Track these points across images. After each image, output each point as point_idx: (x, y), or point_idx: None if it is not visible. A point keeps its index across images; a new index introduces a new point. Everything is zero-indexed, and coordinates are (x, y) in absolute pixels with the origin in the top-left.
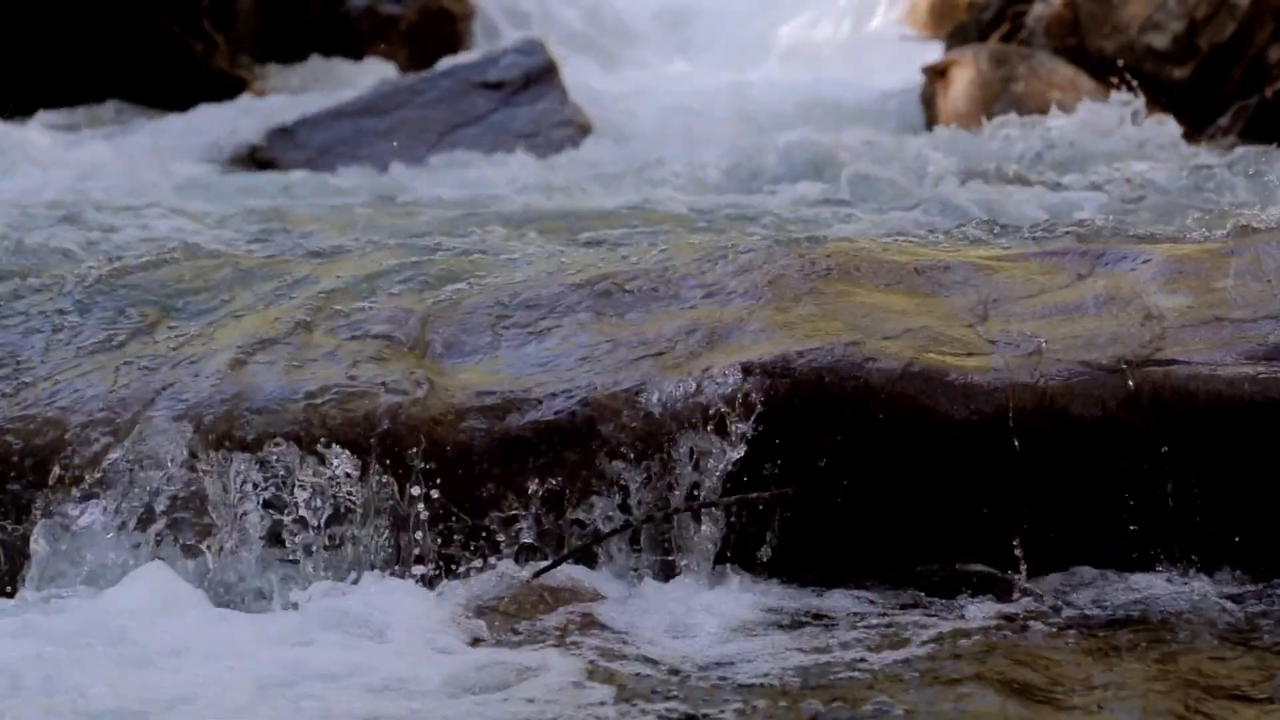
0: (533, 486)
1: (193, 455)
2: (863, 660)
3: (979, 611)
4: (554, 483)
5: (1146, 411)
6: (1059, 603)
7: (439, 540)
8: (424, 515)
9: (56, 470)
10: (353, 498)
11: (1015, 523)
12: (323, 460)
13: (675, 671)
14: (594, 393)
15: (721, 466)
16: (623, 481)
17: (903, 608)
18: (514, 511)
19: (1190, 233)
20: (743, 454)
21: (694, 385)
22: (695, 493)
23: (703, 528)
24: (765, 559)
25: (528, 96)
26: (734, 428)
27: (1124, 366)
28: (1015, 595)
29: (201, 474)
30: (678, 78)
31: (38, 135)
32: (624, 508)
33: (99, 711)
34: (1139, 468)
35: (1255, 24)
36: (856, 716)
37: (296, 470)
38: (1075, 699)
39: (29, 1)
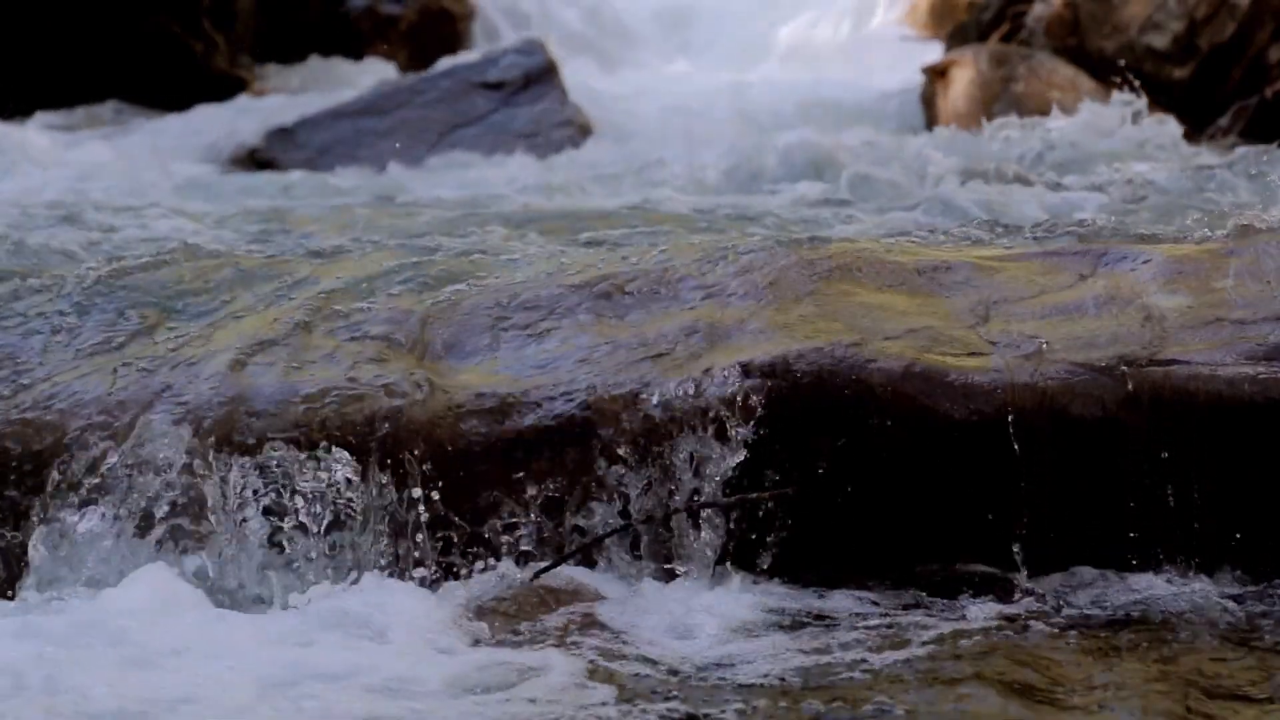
0: (533, 487)
1: (192, 458)
2: (863, 660)
3: (980, 612)
4: (554, 484)
5: (1146, 411)
6: (1060, 603)
7: (439, 541)
8: (424, 516)
9: (55, 474)
10: (353, 499)
11: (1016, 523)
12: (323, 462)
13: (676, 672)
14: (594, 394)
15: (721, 467)
16: (622, 482)
17: (903, 608)
18: (514, 512)
19: (1191, 233)
20: (743, 455)
21: (694, 386)
22: (695, 493)
23: (703, 528)
24: (766, 559)
25: (528, 96)
26: (734, 428)
27: (1124, 367)
28: (1016, 595)
29: (201, 476)
30: (678, 78)
31: (37, 135)
32: (624, 509)
33: (100, 712)
34: (1139, 468)
35: (1255, 24)
36: (857, 717)
37: (296, 472)
38: (1076, 699)
39: (29, 1)
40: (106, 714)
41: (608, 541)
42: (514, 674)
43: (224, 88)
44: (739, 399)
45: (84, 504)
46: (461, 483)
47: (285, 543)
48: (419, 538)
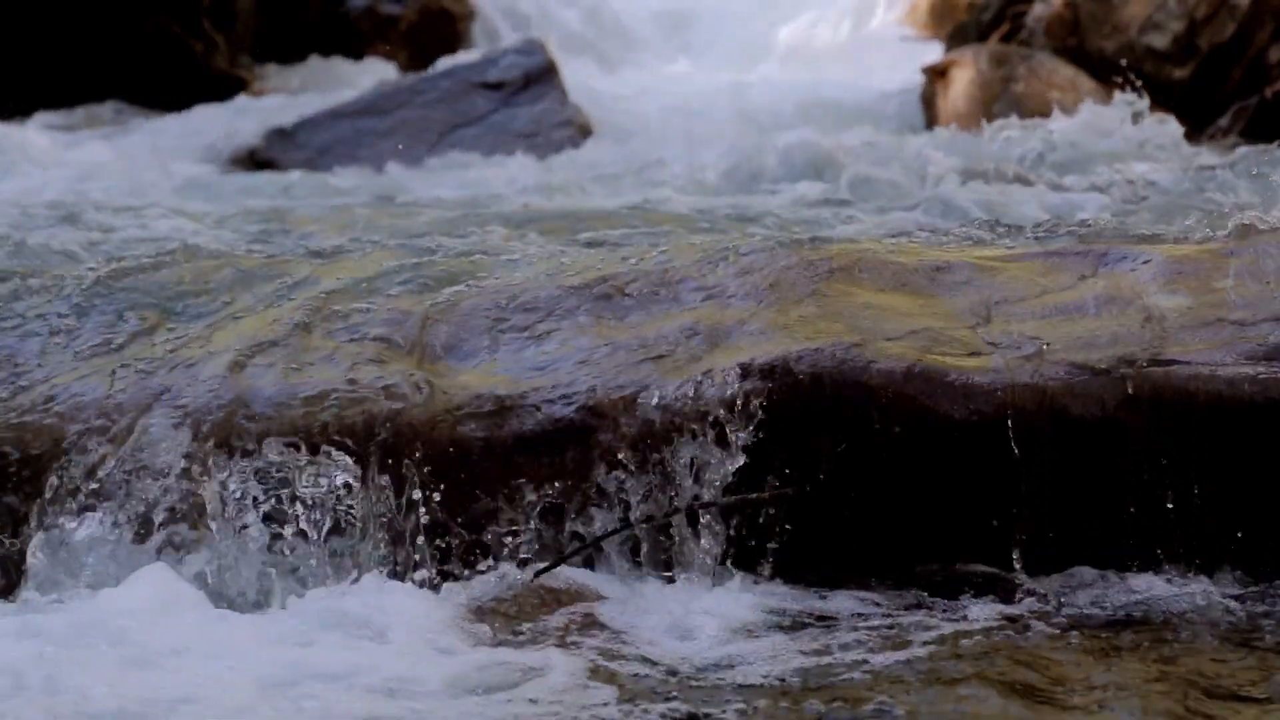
0: (533, 488)
1: (191, 460)
2: (864, 661)
3: (981, 612)
4: (554, 485)
5: (1146, 411)
6: (1060, 603)
7: (439, 543)
8: (424, 518)
9: (54, 480)
10: (352, 500)
11: (1016, 523)
12: (322, 464)
13: (677, 672)
14: (594, 395)
15: (721, 469)
16: (622, 484)
17: (904, 608)
18: (514, 513)
19: (1192, 233)
20: (743, 456)
21: (694, 387)
22: (695, 495)
23: (703, 529)
24: (766, 560)
25: (528, 97)
26: (734, 429)
27: (1124, 367)
28: (1017, 596)
29: (201, 478)
30: (678, 78)
31: (37, 135)
32: (624, 509)
33: (100, 712)
34: (1139, 468)
35: (1255, 24)
36: (858, 717)
37: (296, 473)
38: (1076, 699)
39: (29, 1)
40: (107, 714)
41: (608, 542)
42: (515, 674)
43: (224, 88)
44: (739, 400)
45: (83, 509)
46: (461, 484)
47: (285, 544)
48: (419, 539)
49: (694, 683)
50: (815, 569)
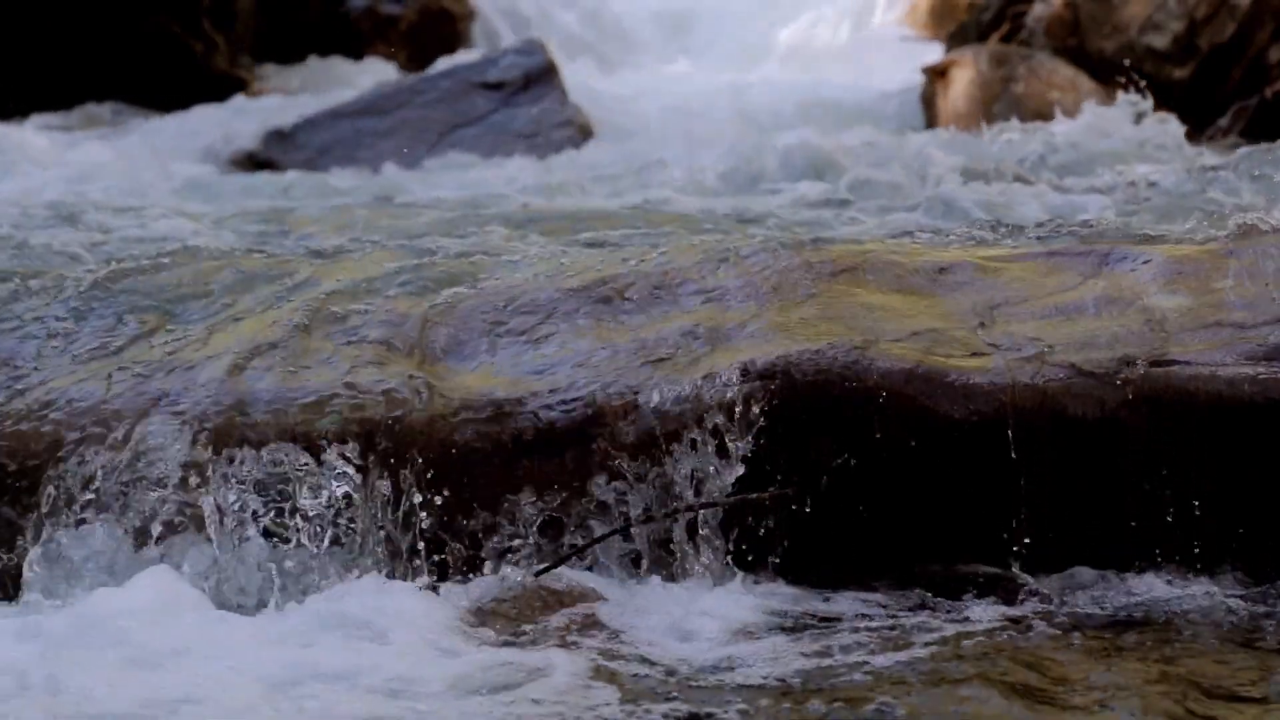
0: (533, 490)
1: (191, 461)
2: (866, 662)
3: (983, 613)
4: (554, 485)
5: (1147, 412)
6: (1062, 603)
7: (439, 544)
8: (424, 519)
9: (50, 489)
10: (353, 502)
11: (1018, 524)
12: (323, 465)
13: (679, 673)
14: (595, 396)
15: (722, 469)
16: (624, 483)
17: (906, 609)
18: (514, 514)
19: (1194, 234)
20: (743, 456)
21: (695, 388)
22: (696, 495)
23: (704, 529)
24: (768, 560)
25: (528, 97)
26: (734, 431)
27: (1125, 368)
28: (1019, 596)
29: (200, 481)
30: (678, 79)
31: (37, 136)
32: (624, 509)
33: (102, 712)
34: (1139, 468)
35: (1255, 24)
36: (859, 717)
37: (296, 475)
38: (1077, 699)
39: (29, 1)
40: (108, 714)
41: (608, 542)
42: (517, 675)
43: (224, 88)
44: (740, 401)
45: (80, 518)
46: (461, 485)
47: (285, 546)
48: (419, 541)
49: (696, 683)
50: (817, 569)
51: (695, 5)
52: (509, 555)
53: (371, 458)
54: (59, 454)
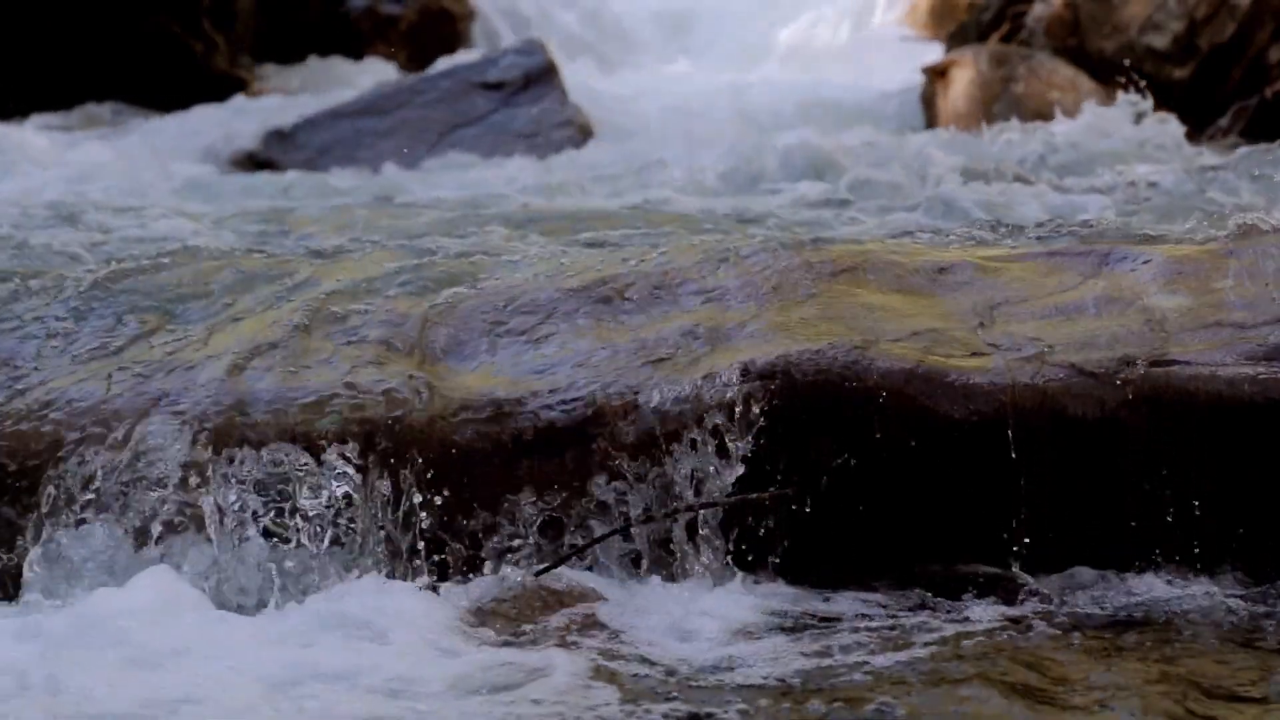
0: (533, 489)
1: (191, 461)
2: (866, 662)
3: (983, 613)
4: (554, 485)
5: (1147, 412)
6: (1062, 604)
7: (439, 544)
8: (424, 519)
9: (50, 490)
10: (353, 502)
11: (1018, 524)
12: (323, 465)
13: (679, 673)
14: (595, 396)
15: (722, 469)
16: (624, 483)
17: (907, 609)
18: (514, 515)
19: (1195, 234)
20: (743, 456)
21: (695, 388)
22: (696, 495)
23: (704, 529)
24: (768, 560)
25: (528, 97)
26: (734, 431)
27: (1125, 368)
28: (1020, 596)
29: (200, 482)
30: (678, 79)
31: (37, 136)
32: (624, 509)
33: (102, 712)
34: (1139, 468)
35: (1255, 24)
36: (859, 717)
37: (296, 475)
38: (1077, 699)
39: (29, 1)
40: (108, 714)
41: (608, 542)
42: (518, 675)
43: (224, 88)
44: (740, 401)
45: (80, 518)
46: (461, 485)
47: (285, 546)
48: (419, 541)
49: (696, 683)
50: (817, 570)
51: (695, 5)
52: (509, 555)
53: (371, 458)
54: (59, 454)
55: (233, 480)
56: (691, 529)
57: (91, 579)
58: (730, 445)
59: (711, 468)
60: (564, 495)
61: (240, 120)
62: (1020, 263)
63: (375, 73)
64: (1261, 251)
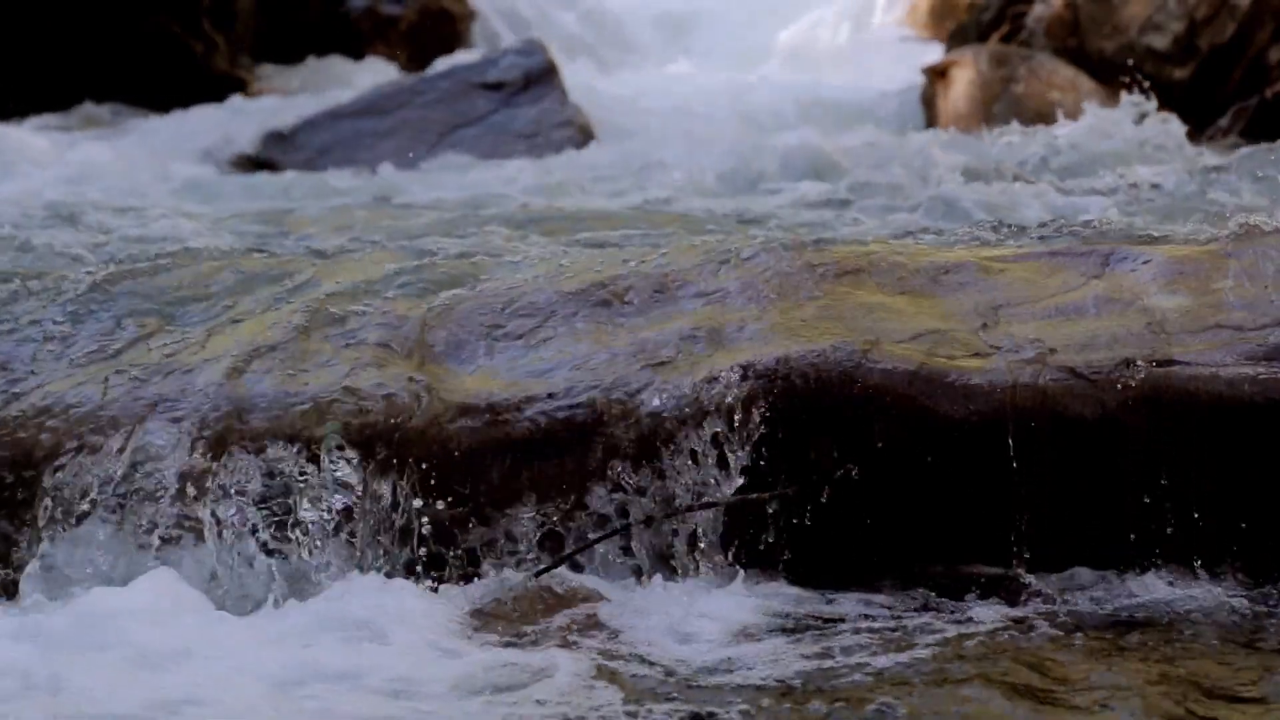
0: (534, 489)
1: (192, 462)
2: (868, 662)
3: (985, 613)
4: (555, 487)
5: (1147, 412)
6: (1064, 604)
7: (439, 545)
8: (424, 521)
9: (52, 480)
10: (353, 503)
11: (1020, 524)
12: (323, 466)
13: (680, 673)
14: (595, 397)
15: (723, 470)
16: (624, 483)
17: (909, 610)
18: (514, 515)
19: (1197, 234)
20: (745, 458)
21: (695, 388)
22: (697, 495)
23: (705, 529)
24: (769, 561)
25: (528, 97)
26: (735, 432)
27: (1125, 368)
28: (1022, 597)
29: (201, 481)
30: (678, 79)
31: (36, 136)
32: (624, 510)
33: (104, 712)
34: (1140, 468)
35: (1255, 24)
36: (861, 717)
37: (296, 477)
38: (1078, 700)
39: (29, 1)
40: (110, 715)
41: (609, 542)
42: (520, 675)
43: (224, 88)
44: (741, 402)
45: (80, 519)
46: (461, 487)
47: (286, 547)
48: (419, 542)
49: (698, 684)
50: (819, 570)
51: (695, 7)
52: (509, 556)
53: (371, 460)
54: (59, 455)
55: (233, 482)
56: (692, 529)
57: (91, 581)
58: (732, 445)
59: (712, 468)
60: (564, 497)
61: (240, 121)
62: (1022, 263)
63: (375, 73)
64: (1262, 252)
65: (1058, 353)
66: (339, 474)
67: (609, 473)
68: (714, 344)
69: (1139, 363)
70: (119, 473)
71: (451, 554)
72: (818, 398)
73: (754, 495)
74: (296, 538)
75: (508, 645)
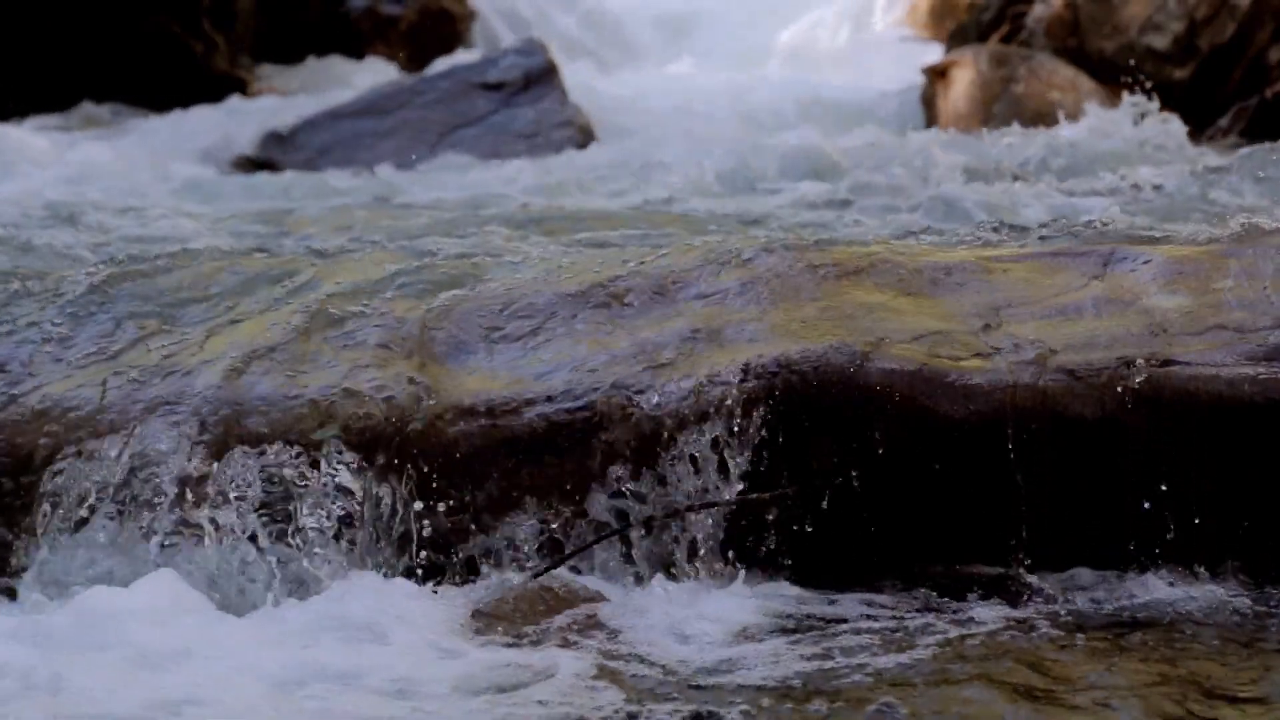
0: (533, 490)
1: (193, 462)
2: (869, 663)
3: (986, 613)
4: (555, 487)
5: (1147, 412)
6: (1065, 604)
7: (440, 544)
8: (424, 521)
9: (53, 480)
10: (353, 504)
11: (1021, 525)
12: (322, 468)
13: (681, 674)
14: (596, 397)
15: (723, 470)
16: (624, 484)
17: (910, 610)
18: (514, 517)
19: (1198, 234)
20: (745, 458)
21: (695, 388)
22: (697, 496)
23: (705, 529)
24: (770, 561)
25: (528, 97)
26: (735, 432)
27: (1125, 368)
28: (1023, 597)
29: (201, 481)
30: (678, 79)
31: (36, 136)
32: (624, 510)
33: (104, 712)
34: (1140, 468)
35: (1255, 24)
36: (862, 717)
37: (296, 477)
38: (1079, 700)
39: (29, 1)
40: (110, 715)
41: (609, 543)
42: (522, 675)
43: (224, 88)
44: (741, 403)
45: (81, 522)
46: (462, 487)
47: (286, 549)
48: (419, 543)
49: (699, 684)
50: (820, 571)
51: (696, 7)
52: (510, 555)
53: (371, 460)
54: (58, 457)
55: (233, 483)
56: (693, 529)
57: (92, 581)
58: (732, 446)
59: (713, 468)
60: (564, 497)
61: (239, 121)
62: (1023, 264)
63: (375, 73)
64: (1262, 253)
65: (1058, 353)
66: (339, 475)
67: (611, 471)
68: (714, 345)
69: (1139, 363)
70: (121, 470)
71: (452, 554)
72: (818, 398)
73: (754, 496)
74: (297, 538)
75: (510, 645)
